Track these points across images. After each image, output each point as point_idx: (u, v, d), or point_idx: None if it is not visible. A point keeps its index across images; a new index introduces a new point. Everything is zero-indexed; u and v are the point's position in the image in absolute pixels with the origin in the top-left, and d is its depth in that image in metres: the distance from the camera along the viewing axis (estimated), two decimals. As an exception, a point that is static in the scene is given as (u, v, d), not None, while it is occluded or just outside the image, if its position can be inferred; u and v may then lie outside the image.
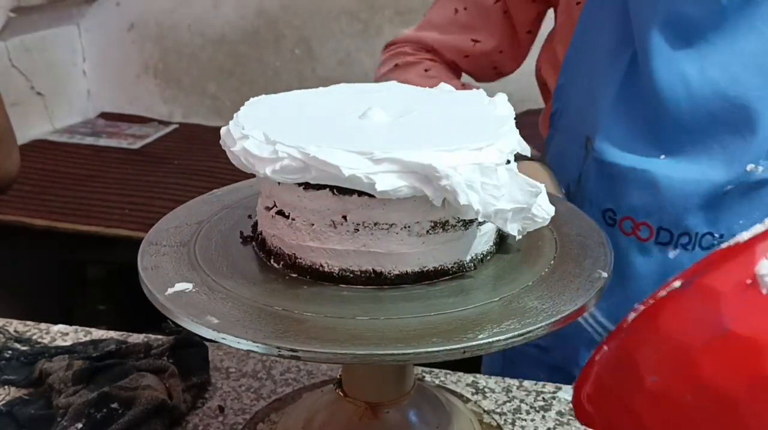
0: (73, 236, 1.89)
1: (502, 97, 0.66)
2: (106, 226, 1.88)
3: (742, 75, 0.78)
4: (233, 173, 0.61)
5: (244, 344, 0.50)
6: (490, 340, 0.50)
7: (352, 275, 0.57)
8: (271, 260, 0.60)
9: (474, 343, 0.50)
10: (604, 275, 0.58)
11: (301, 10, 2.40)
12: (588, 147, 0.85)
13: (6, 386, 0.81)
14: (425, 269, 0.57)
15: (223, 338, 0.51)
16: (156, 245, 0.63)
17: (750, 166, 0.81)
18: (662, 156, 0.82)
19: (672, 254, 0.85)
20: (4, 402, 0.77)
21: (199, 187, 1.89)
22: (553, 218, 0.61)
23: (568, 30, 0.89)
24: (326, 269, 0.57)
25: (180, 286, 0.57)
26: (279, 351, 0.50)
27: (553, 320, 0.53)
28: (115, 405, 0.71)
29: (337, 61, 2.43)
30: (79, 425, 0.69)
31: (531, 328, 0.52)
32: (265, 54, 2.48)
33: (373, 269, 0.57)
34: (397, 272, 0.57)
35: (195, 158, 2.23)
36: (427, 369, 0.84)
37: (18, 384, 0.81)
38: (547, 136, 0.95)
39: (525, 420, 0.76)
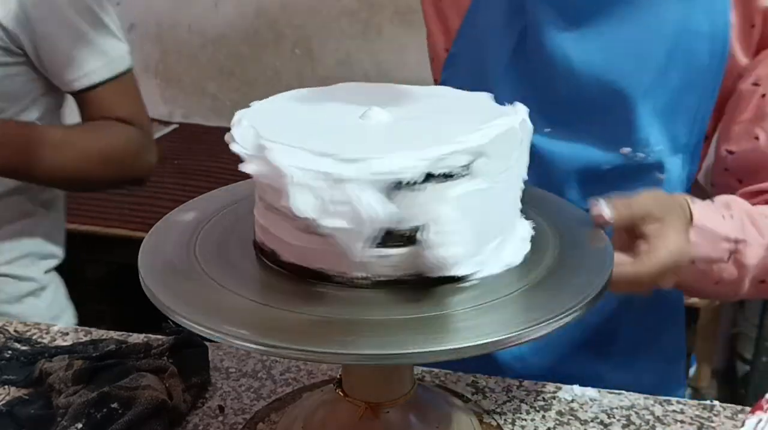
0: (73, 236, 1.88)
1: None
2: (106, 226, 1.88)
3: (621, 61, 0.80)
4: (233, 173, 0.61)
5: (217, 337, 0.51)
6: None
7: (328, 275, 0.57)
8: (263, 256, 0.60)
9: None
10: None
11: (301, 10, 2.40)
12: None
13: (6, 386, 0.81)
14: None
15: (201, 329, 0.51)
16: (158, 240, 0.63)
17: (624, 150, 0.83)
18: (547, 129, 0.84)
19: None
20: (4, 402, 0.77)
21: (199, 187, 1.89)
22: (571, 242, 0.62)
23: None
24: (305, 266, 0.57)
25: (174, 279, 0.57)
26: (254, 346, 0.50)
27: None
28: (115, 405, 0.71)
29: (337, 61, 2.43)
30: (79, 425, 0.69)
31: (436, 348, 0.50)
32: (265, 54, 2.48)
33: None
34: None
35: (195, 158, 2.22)
36: (427, 369, 0.84)
37: (18, 384, 0.81)
38: None
39: (525, 420, 0.76)
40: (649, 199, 0.70)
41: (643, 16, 0.80)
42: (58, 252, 1.26)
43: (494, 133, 0.55)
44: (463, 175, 0.54)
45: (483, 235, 0.56)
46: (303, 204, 0.51)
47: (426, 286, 0.56)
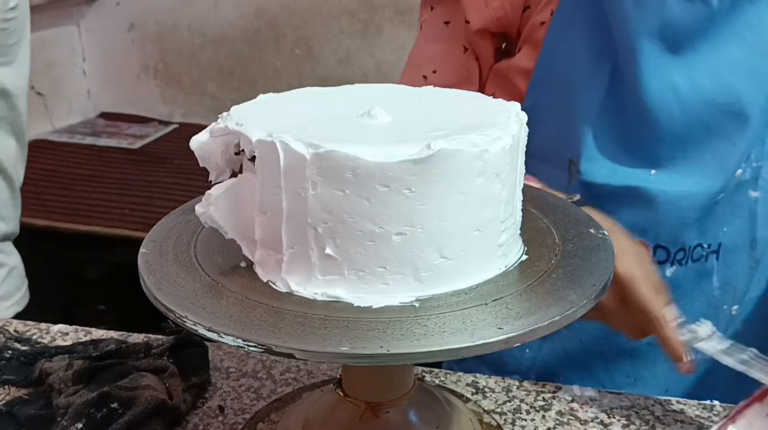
0: (73, 236, 1.89)
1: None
2: (106, 226, 1.88)
3: (732, 81, 0.77)
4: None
5: (216, 337, 0.51)
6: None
7: None
8: None
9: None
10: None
11: (301, 9, 2.40)
12: (572, 170, 0.82)
13: (6, 386, 0.81)
14: None
15: (200, 330, 0.51)
16: (157, 241, 0.63)
17: (739, 171, 0.80)
18: (653, 171, 0.80)
19: (669, 271, 0.83)
20: (4, 402, 0.77)
21: (199, 187, 1.88)
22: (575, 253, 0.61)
23: (530, 55, 0.85)
24: None
25: (174, 279, 0.57)
26: (245, 344, 0.50)
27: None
28: (115, 405, 0.71)
29: (337, 61, 2.43)
30: (79, 425, 0.69)
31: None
32: (265, 54, 2.48)
33: None
34: None
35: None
36: (427, 369, 0.84)
37: (18, 384, 0.81)
38: None
39: (525, 420, 0.76)
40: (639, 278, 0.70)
41: (745, 35, 0.77)
42: (4, 229, 1.24)
43: (257, 136, 0.54)
44: (253, 165, 0.56)
45: (252, 228, 0.57)
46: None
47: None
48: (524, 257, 0.61)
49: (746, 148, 0.80)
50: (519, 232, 0.62)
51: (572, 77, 0.82)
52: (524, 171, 0.61)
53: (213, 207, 0.57)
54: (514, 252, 0.61)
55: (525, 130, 0.59)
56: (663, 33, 0.76)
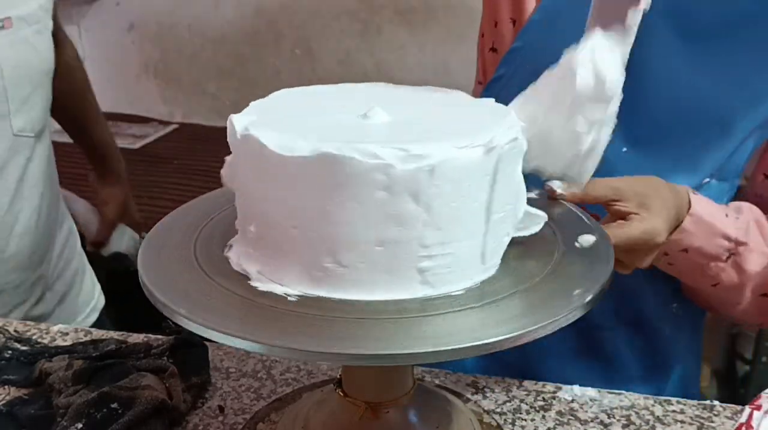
0: (73, 236, 1.88)
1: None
2: (106, 226, 1.88)
3: (730, 90, 0.76)
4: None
5: (216, 337, 0.51)
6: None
7: None
8: None
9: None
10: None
11: (301, 9, 2.40)
12: None
13: (6, 386, 0.81)
14: None
15: (200, 329, 0.51)
16: (157, 240, 0.63)
17: (706, 180, 0.79)
18: (624, 149, 0.79)
19: None
20: (4, 402, 0.77)
21: (199, 187, 1.89)
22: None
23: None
24: None
25: (174, 279, 0.57)
26: (241, 343, 0.50)
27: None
28: (115, 405, 0.71)
29: (337, 60, 2.43)
30: (79, 425, 0.69)
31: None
32: (265, 54, 2.48)
33: None
34: None
35: (195, 158, 2.23)
36: (427, 369, 0.84)
37: (18, 384, 0.81)
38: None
39: (525, 420, 0.76)
40: (624, 181, 0.70)
41: (757, 44, 0.75)
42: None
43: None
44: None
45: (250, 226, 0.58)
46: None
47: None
48: (524, 258, 0.61)
49: (720, 158, 0.79)
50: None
51: (568, 29, 0.76)
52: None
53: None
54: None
55: (524, 131, 0.59)
56: (684, 22, 0.75)
